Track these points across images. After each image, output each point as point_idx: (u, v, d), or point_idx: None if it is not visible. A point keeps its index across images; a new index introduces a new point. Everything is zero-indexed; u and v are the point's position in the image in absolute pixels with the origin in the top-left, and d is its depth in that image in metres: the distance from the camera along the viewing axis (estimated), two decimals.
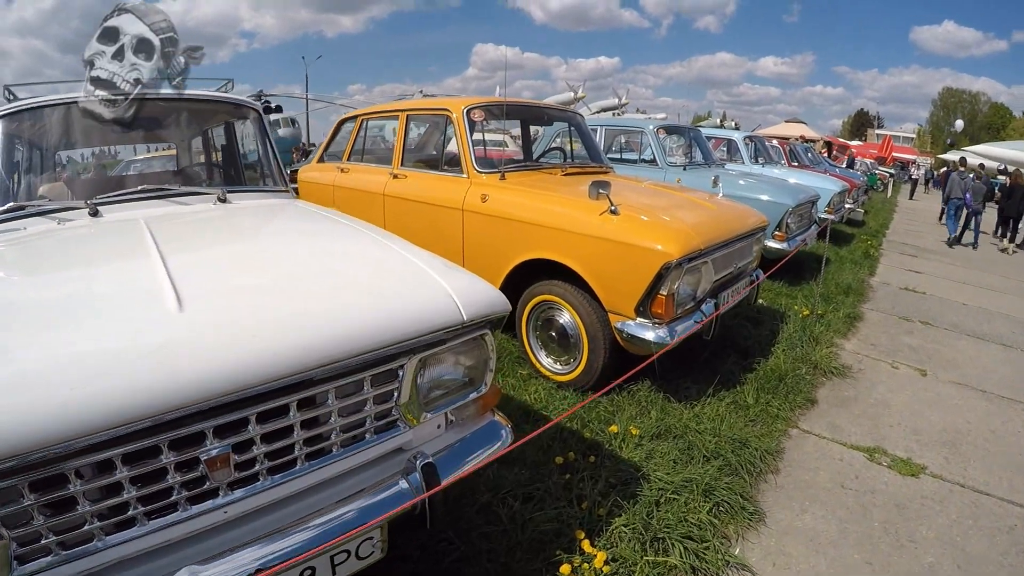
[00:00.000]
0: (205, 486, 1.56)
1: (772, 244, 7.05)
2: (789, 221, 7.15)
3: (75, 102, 3.21)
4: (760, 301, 6.48)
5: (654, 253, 3.55)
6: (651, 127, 8.54)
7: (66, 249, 2.48)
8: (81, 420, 1.30)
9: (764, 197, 7.20)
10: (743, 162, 11.03)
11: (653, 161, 8.35)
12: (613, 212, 3.78)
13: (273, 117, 33.90)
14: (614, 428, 3.64)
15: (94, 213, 2.76)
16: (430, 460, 1.93)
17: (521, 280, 4.40)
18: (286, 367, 1.58)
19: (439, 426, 2.16)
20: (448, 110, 5.07)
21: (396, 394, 1.93)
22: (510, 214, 4.33)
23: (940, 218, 16.06)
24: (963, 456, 3.87)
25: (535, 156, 6.66)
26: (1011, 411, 4.66)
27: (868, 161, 33.22)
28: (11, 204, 2.81)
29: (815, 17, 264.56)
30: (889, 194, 29.14)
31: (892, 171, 34.99)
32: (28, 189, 3.28)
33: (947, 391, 4.93)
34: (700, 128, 13.74)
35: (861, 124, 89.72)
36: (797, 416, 4.19)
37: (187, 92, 3.63)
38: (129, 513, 1.46)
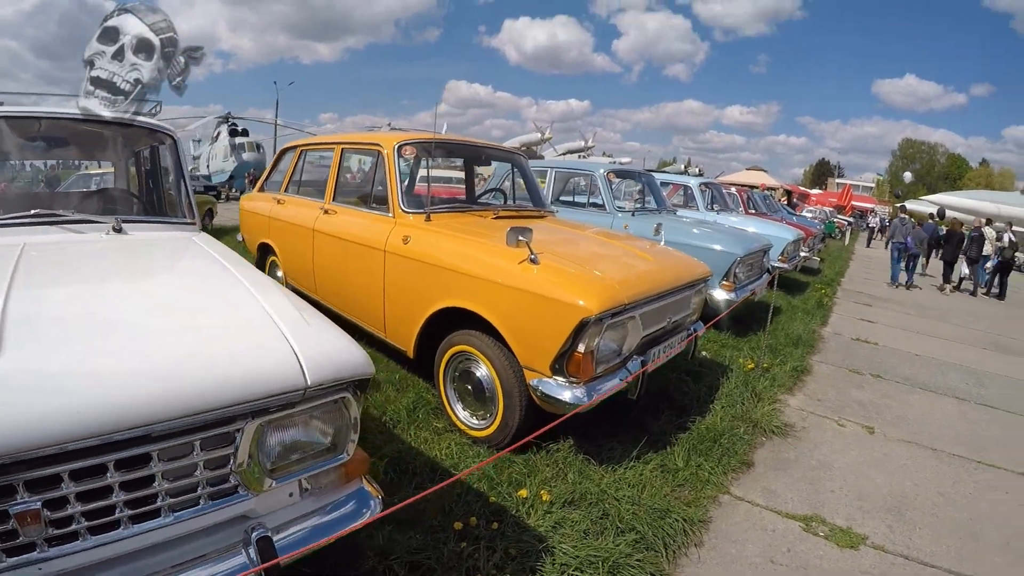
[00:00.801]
0: (18, 540, 1.47)
1: (719, 295, 6.81)
2: (737, 271, 6.93)
3: None
4: (703, 353, 6.27)
5: (571, 308, 3.29)
6: (601, 171, 8.34)
7: None
8: None
9: (710, 245, 7.00)
10: (698, 209, 10.89)
11: (603, 206, 8.14)
12: (532, 261, 3.54)
13: (238, 141, 34.02)
14: (523, 492, 3.35)
15: None
16: (266, 534, 1.80)
17: (442, 327, 4.15)
18: (89, 427, 1.46)
19: (291, 494, 2.00)
20: (380, 145, 4.90)
21: (232, 459, 1.78)
22: (429, 257, 4.12)
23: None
24: (908, 523, 3.63)
25: (478, 196, 6.44)
26: (963, 470, 4.46)
27: (826, 209, 33.71)
28: None
29: (781, 69, 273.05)
30: (847, 242, 29.42)
31: (850, 219, 35.45)
32: None
33: (895, 450, 4.71)
34: (663, 172, 13.65)
35: (822, 173, 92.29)
36: (730, 480, 3.91)
37: (99, 114, 3.50)
38: None
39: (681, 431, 4.37)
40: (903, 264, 15.96)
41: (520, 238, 3.53)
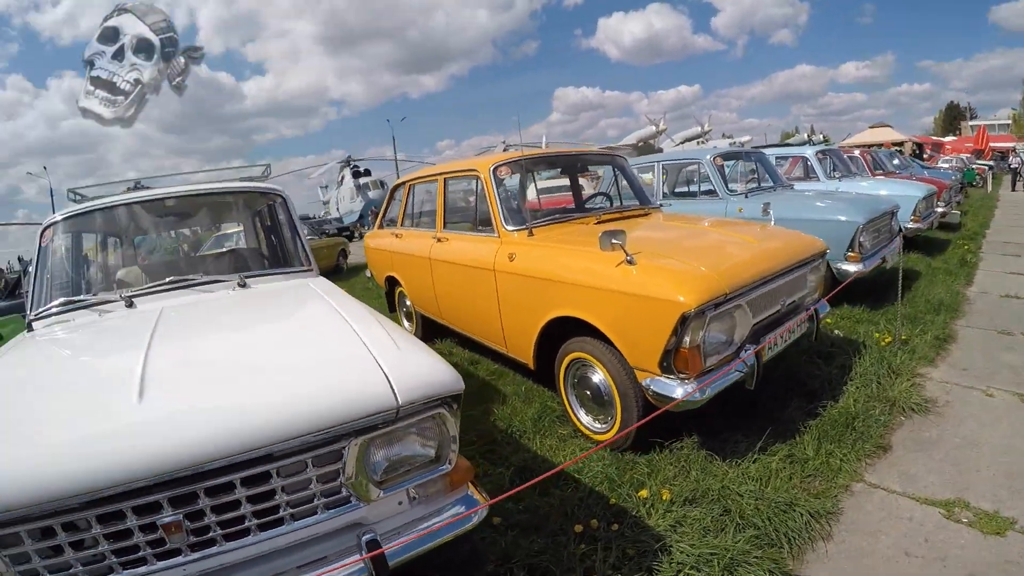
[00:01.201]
0: (166, 546, 1.82)
1: (845, 267, 6.56)
2: (862, 239, 6.62)
3: (122, 204, 3.91)
4: (836, 332, 6.03)
5: (669, 304, 3.28)
6: (708, 157, 8.19)
7: (82, 343, 3.00)
8: (35, 491, 1.63)
9: (829, 216, 6.75)
10: (818, 179, 10.46)
11: (715, 192, 7.98)
12: (629, 262, 3.56)
13: (362, 181, 35.50)
14: (644, 492, 3.38)
15: (129, 304, 3.25)
16: (374, 536, 2.03)
17: (558, 337, 4.24)
18: (215, 452, 1.78)
19: (400, 502, 2.21)
20: (476, 170, 5.12)
21: (341, 473, 2.03)
22: (534, 271, 4.26)
23: None
24: None
25: (586, 201, 6.57)
26: None
27: (964, 156, 31.64)
28: (60, 300, 3.36)
29: (889, 14, 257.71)
30: (989, 189, 27.27)
31: (991, 164, 33.01)
32: (106, 275, 4.19)
33: None
34: (780, 146, 13.16)
35: (953, 118, 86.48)
36: (864, 467, 3.70)
37: (211, 186, 4.13)
38: (106, 562, 1.78)
39: (811, 417, 4.19)
40: None
41: (614, 241, 3.56)
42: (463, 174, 5.59)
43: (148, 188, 4.33)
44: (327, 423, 1.92)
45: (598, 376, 3.96)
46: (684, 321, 3.24)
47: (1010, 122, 69.18)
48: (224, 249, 6.06)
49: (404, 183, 7.00)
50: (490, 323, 4.94)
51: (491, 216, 4.86)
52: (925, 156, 29.93)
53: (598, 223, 4.89)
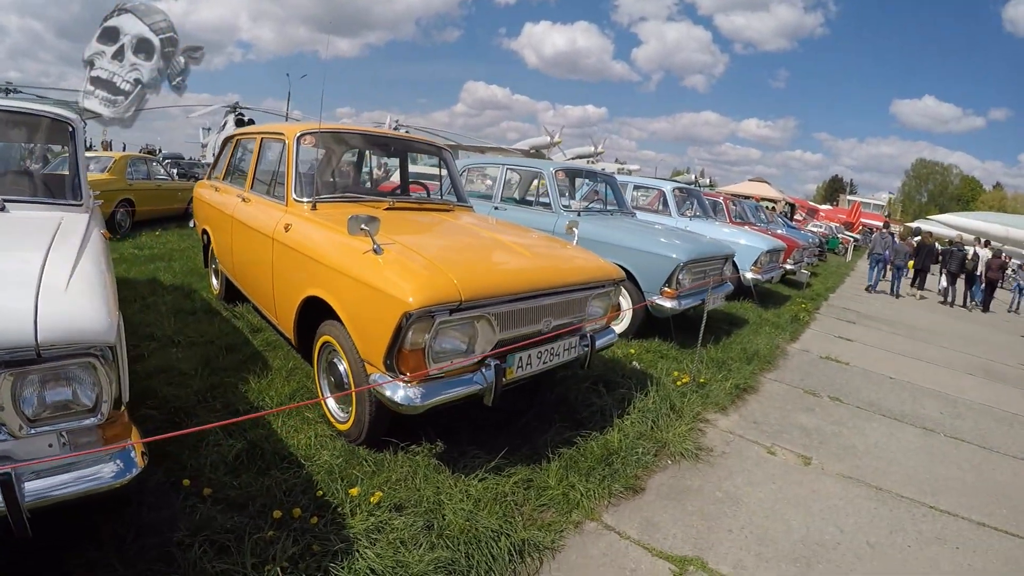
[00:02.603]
0: None
1: (659, 301, 6.43)
2: (681, 277, 6.49)
3: None
4: (635, 363, 5.86)
5: (394, 300, 3.03)
6: (550, 169, 8.02)
7: None
8: None
9: (650, 249, 6.64)
10: (670, 214, 10.48)
11: (549, 205, 7.78)
12: (376, 251, 3.30)
13: None
14: (355, 491, 3.12)
15: None
16: (9, 471, 1.92)
17: (320, 317, 3.95)
18: None
19: (51, 445, 2.17)
20: (283, 134, 4.97)
21: None
22: (299, 245, 4.07)
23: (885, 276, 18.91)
24: None
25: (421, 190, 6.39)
26: (907, 516, 3.85)
27: (833, 225, 33.33)
28: None
29: (800, 84, 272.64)
30: (848, 259, 28.84)
31: (857, 236, 34.94)
32: None
33: (829, 487, 4.12)
34: (674, 180, 13.24)
35: (834, 190, 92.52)
36: (606, 506, 3.43)
37: (4, 103, 3.87)
38: None
39: (568, 446, 3.94)
40: (885, 275, 18.58)
41: (363, 227, 3.25)
42: (274, 137, 5.31)
43: (20, 92, 4.35)
44: None
45: (343, 365, 3.71)
46: (407, 320, 2.98)
47: (884, 204, 73.88)
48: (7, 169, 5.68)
49: (233, 136, 6.70)
50: (265, 292, 4.76)
51: (285, 183, 4.66)
52: (797, 218, 31.20)
53: (388, 209, 4.62)
